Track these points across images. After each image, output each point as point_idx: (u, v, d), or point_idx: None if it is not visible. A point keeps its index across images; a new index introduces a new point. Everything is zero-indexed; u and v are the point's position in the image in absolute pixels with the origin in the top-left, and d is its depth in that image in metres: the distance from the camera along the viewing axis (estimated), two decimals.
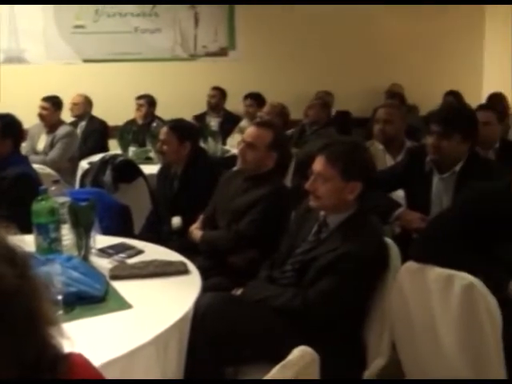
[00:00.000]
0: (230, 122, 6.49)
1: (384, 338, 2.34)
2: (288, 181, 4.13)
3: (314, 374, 1.56)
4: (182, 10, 7.35)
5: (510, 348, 2.02)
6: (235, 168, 3.24)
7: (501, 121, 4.06)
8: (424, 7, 7.42)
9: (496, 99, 6.22)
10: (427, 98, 6.90)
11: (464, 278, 2.03)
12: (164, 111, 6.33)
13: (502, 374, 2.02)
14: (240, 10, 7.38)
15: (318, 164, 2.42)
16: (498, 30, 8.07)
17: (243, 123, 6.07)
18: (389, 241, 2.42)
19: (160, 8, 7.26)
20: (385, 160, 3.89)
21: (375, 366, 2.33)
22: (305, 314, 2.30)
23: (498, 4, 7.76)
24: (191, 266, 2.48)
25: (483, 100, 6.83)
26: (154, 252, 2.67)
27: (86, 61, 7.21)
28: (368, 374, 2.33)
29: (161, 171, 3.80)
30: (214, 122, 6.21)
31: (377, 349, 2.35)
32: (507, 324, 2.03)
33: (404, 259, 2.32)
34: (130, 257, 2.62)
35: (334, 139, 2.58)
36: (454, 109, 3.24)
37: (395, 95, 6.45)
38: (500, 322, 1.99)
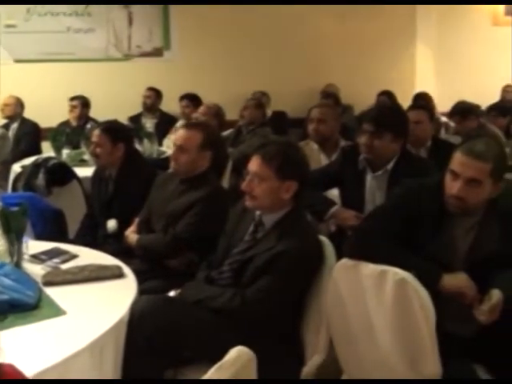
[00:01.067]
0: (165, 123, 6.45)
1: (321, 335, 2.37)
2: (226, 181, 4.13)
3: (252, 374, 1.57)
4: (116, 10, 7.24)
5: (444, 341, 2.08)
6: (171, 170, 3.21)
7: (432, 120, 4.16)
8: (359, 8, 7.55)
9: (422, 99, 6.41)
10: (362, 98, 7.04)
11: (397, 273, 2.08)
12: (98, 112, 6.24)
13: (437, 366, 2.07)
14: (175, 9, 7.33)
15: (254, 164, 2.43)
16: (429, 30, 8.31)
17: (180, 124, 6.03)
18: (323, 239, 2.46)
19: (93, 7, 7.12)
20: (320, 159, 3.94)
21: (313, 362, 2.36)
22: (243, 313, 2.31)
23: (428, 4, 7.98)
24: (127, 269, 2.46)
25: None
26: (89, 256, 2.64)
27: (17, 61, 7.00)
28: (306, 371, 2.36)
29: (95, 174, 3.74)
30: (149, 123, 6.17)
31: (314, 346, 2.38)
32: (440, 318, 2.10)
33: (340, 257, 2.36)
34: (64, 262, 2.58)
35: (268, 139, 2.59)
36: (385, 108, 3.33)
37: (330, 95, 6.54)
38: (433, 316, 2.05)
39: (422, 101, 6.21)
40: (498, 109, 5.97)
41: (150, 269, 2.91)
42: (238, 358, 1.51)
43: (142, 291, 2.38)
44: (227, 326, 2.28)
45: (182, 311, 2.34)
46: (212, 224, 2.81)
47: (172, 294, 2.58)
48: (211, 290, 2.45)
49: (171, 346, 2.25)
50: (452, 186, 2.20)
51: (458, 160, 2.20)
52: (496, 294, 2.11)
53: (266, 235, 2.43)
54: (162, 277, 2.86)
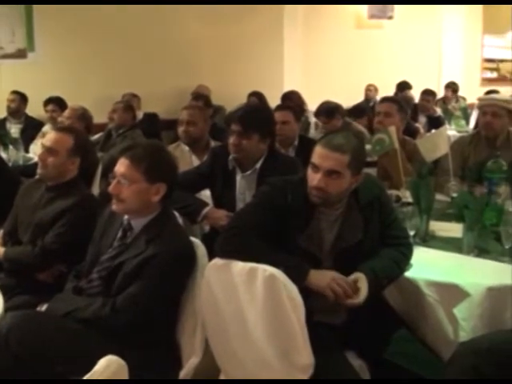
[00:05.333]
0: (32, 128, 6.18)
1: (197, 337, 2.37)
2: (96, 187, 4.03)
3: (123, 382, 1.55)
4: None
5: (315, 331, 2.16)
6: (37, 177, 3.08)
7: (298, 119, 4.28)
8: (228, 8, 7.62)
9: (291, 97, 6.60)
10: (233, 99, 7.12)
11: (265, 269, 2.12)
12: None
13: (309, 356, 2.13)
14: (38, 9, 7.03)
15: (122, 166, 2.37)
16: (296, 32, 8.56)
17: (46, 128, 5.81)
18: (195, 240, 2.46)
19: None
20: (191, 161, 3.94)
21: (190, 364, 2.36)
22: (115, 321, 2.26)
23: (295, 4, 8.22)
24: None
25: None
26: None
27: None
28: (184, 374, 2.35)
29: None
30: (14, 129, 5.89)
31: (191, 348, 2.38)
32: (311, 309, 2.18)
33: (214, 257, 2.37)
34: None
35: (136, 141, 2.57)
36: (252, 109, 3.39)
37: (200, 96, 6.56)
38: (302, 308, 2.11)
39: (290, 100, 6.42)
40: (353, 112, 6.23)
41: (18, 283, 2.79)
42: (106, 367, 1.49)
43: (9, 308, 2.28)
44: (99, 336, 2.23)
45: (50, 325, 2.26)
46: (82, 233, 2.72)
47: (41, 308, 2.47)
48: (80, 300, 2.38)
49: (41, 362, 2.16)
50: (313, 178, 2.28)
51: (317, 153, 2.29)
52: (360, 276, 2.24)
53: (135, 240, 2.39)
54: (31, 291, 2.73)
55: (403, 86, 8.70)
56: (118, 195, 2.37)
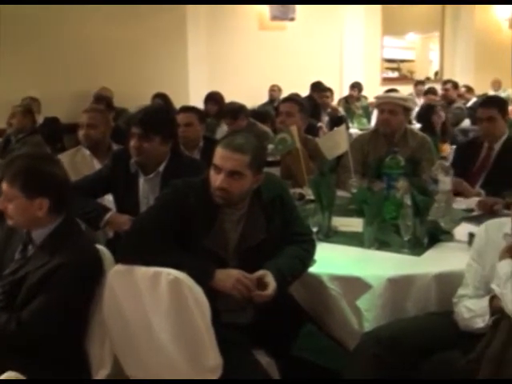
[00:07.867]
0: None
1: (106, 348, 2.32)
2: None
3: None
4: None
5: (223, 331, 2.17)
6: None
7: (202, 121, 4.25)
8: (129, 8, 7.50)
9: (215, 97, 6.61)
10: (137, 101, 6.99)
11: (169, 273, 2.11)
12: None
13: (217, 357, 2.14)
14: None
15: (3, 183, 2.28)
16: (199, 33, 8.55)
17: None
18: (100, 247, 2.40)
19: None
20: (93, 165, 3.83)
21: (100, 377, 2.30)
22: (20, 337, 2.17)
23: (196, 4, 8.20)
24: None
25: (190, 101, 7.18)
26: None
27: None
28: None
29: None
30: None
31: (100, 359, 2.32)
32: (217, 309, 2.20)
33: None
34: None
35: (14, 156, 2.42)
36: (153, 111, 3.32)
37: (102, 99, 6.44)
38: (208, 310, 2.12)
39: (214, 100, 6.43)
40: (256, 117, 6.28)
41: None
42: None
43: None
44: (3, 351, 2.13)
45: None
46: None
47: None
48: None
49: None
50: (216, 179, 2.29)
51: (219, 154, 2.30)
52: (266, 272, 2.26)
53: (37, 252, 2.30)
54: None
55: (316, 86, 8.84)
56: (6, 211, 2.29)
